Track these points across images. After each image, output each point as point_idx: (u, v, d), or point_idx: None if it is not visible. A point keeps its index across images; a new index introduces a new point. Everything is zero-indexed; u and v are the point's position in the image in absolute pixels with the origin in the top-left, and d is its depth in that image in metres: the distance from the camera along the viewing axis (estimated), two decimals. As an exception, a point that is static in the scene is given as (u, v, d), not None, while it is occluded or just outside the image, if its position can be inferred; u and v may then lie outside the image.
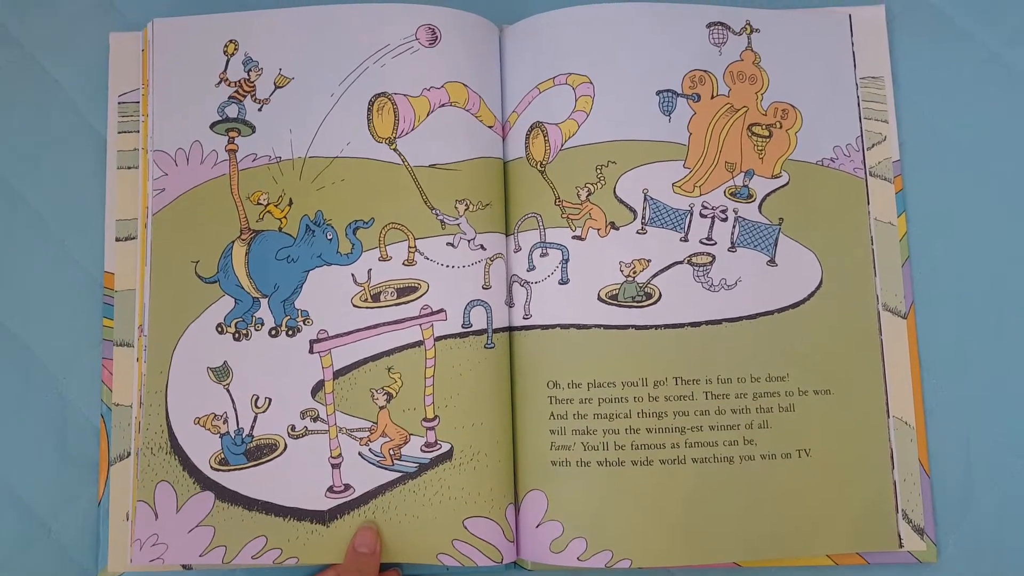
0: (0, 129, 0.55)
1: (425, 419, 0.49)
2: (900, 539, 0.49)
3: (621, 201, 0.51)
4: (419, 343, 0.49)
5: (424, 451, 0.48)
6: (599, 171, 0.51)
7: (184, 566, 0.49)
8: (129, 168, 0.54)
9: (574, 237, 0.50)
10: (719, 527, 0.48)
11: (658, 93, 0.52)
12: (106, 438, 0.51)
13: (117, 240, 0.53)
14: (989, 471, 0.50)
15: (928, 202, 0.53)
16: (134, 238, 0.53)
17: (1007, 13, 0.55)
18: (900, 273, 0.52)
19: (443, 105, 0.51)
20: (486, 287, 0.50)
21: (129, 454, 0.51)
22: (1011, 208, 0.53)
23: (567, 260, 0.50)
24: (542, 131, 0.51)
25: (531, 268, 0.51)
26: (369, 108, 0.51)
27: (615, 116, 0.51)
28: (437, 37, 0.51)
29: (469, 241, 0.50)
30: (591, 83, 0.51)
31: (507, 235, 0.52)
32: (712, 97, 0.53)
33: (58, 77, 0.55)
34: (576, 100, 0.51)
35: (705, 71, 0.53)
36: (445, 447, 0.48)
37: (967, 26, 0.55)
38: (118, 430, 0.51)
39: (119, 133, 0.54)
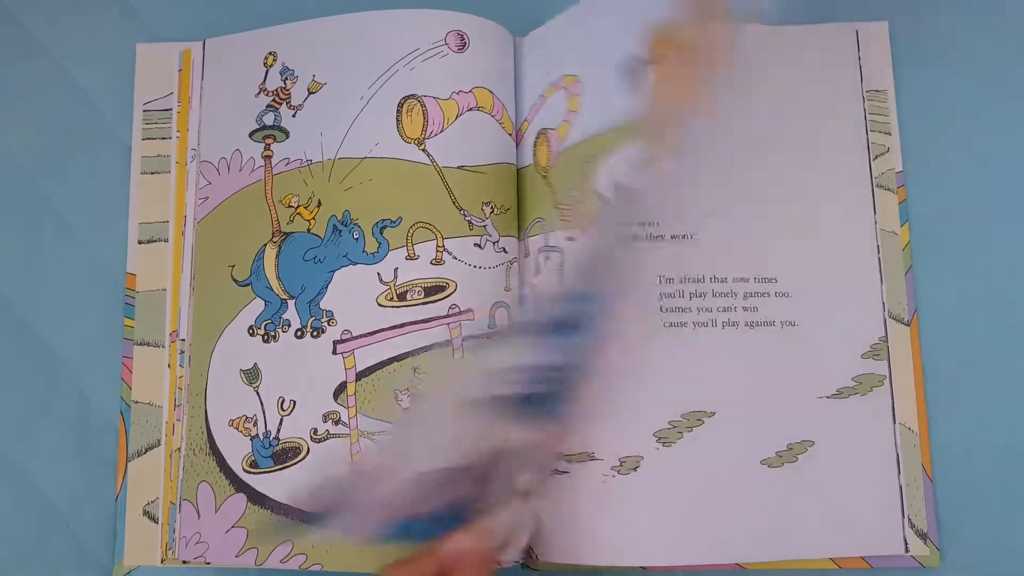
0: (29, 135, 0.56)
1: (450, 420, 0.49)
2: (905, 544, 0.49)
3: (601, 196, 0.50)
4: (447, 343, 0.49)
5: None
6: (584, 167, 0.50)
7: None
8: (153, 173, 0.54)
9: (567, 239, 0.50)
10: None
11: None
12: (125, 435, 0.51)
13: (140, 243, 0.53)
14: (992, 477, 0.51)
15: (930, 212, 0.54)
16: (156, 241, 0.53)
17: (1009, 29, 0.56)
18: (903, 281, 0.53)
19: (471, 109, 0.52)
20: (507, 289, 0.51)
21: (147, 450, 0.51)
22: (1012, 218, 0.54)
23: (564, 263, 0.50)
24: (545, 138, 0.52)
25: (538, 272, 0.51)
26: (398, 110, 0.52)
27: (599, 108, 0.51)
28: (466, 43, 0.52)
29: (494, 243, 0.51)
30: (580, 81, 0.52)
31: (519, 240, 0.52)
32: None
33: (85, 86, 0.56)
34: (568, 101, 0.52)
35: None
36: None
37: (969, 41, 0.56)
38: (136, 427, 0.51)
39: (143, 140, 0.55)
